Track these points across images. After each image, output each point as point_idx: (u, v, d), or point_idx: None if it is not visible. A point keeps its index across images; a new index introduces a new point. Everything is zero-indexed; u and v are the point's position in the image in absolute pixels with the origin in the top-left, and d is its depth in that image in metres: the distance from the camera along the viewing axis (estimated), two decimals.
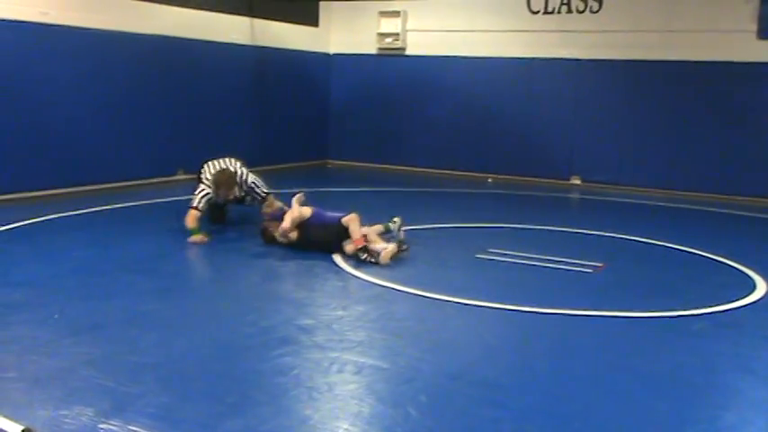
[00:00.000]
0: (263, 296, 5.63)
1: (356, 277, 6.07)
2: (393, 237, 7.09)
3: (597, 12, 11.98)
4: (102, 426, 3.30)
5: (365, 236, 6.74)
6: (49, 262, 6.20)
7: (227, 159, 7.84)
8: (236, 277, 6.37)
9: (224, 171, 7.53)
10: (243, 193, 7.79)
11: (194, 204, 7.30)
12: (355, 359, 4.25)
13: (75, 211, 8.27)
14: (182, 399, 3.66)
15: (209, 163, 7.76)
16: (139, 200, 9.24)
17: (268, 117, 12.79)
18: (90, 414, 3.40)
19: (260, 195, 7.82)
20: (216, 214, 7.83)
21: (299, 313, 5.11)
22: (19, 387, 3.70)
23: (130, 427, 3.28)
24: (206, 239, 7.14)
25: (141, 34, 10.26)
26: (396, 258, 6.59)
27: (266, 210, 7.72)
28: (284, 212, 7.12)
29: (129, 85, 10.19)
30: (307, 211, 6.97)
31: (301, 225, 6.90)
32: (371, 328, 4.90)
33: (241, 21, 12.10)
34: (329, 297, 5.62)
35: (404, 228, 7.33)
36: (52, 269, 5.98)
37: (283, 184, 10.84)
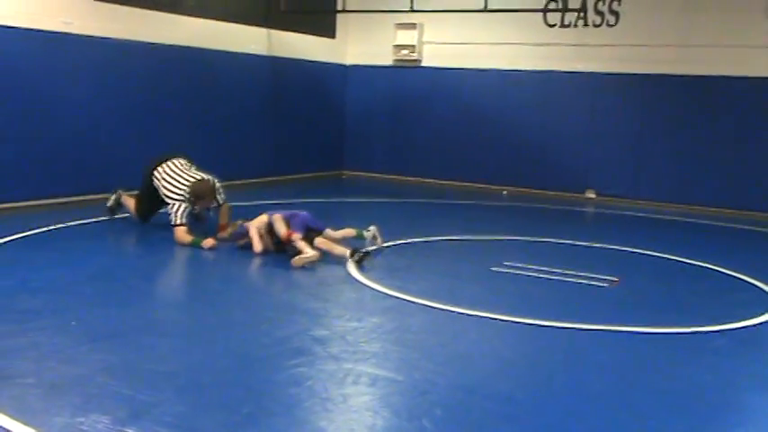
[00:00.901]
0: (278, 306, 5.64)
1: (371, 288, 6.08)
2: (363, 244, 7.28)
3: (614, 26, 11.97)
4: None
5: (292, 233, 6.82)
6: (68, 269, 6.25)
7: (177, 162, 7.70)
8: (251, 287, 6.40)
9: (203, 181, 7.47)
10: (220, 202, 7.71)
11: (178, 222, 7.24)
12: (370, 371, 4.25)
13: (93, 218, 8.32)
14: (197, 408, 3.67)
15: (167, 171, 7.56)
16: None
17: (284, 127, 12.85)
18: (106, 422, 3.42)
19: (219, 202, 7.71)
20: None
21: (313, 324, 5.12)
22: (37, 393, 3.73)
23: None
24: (215, 243, 7.16)
25: (160, 44, 10.36)
26: (307, 266, 6.59)
27: (222, 231, 7.58)
28: (245, 229, 7.14)
29: (148, 94, 10.28)
30: (264, 218, 7.11)
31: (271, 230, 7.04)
32: (386, 340, 4.90)
33: (258, 32, 12.19)
34: (343, 308, 5.62)
35: (378, 238, 7.45)
36: (70, 276, 6.03)
37: (298, 194, 10.89)
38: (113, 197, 8.28)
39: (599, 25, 12.08)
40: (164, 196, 7.50)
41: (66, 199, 9.15)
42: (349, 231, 7.42)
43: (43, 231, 7.57)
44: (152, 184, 7.67)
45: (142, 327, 4.91)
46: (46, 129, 9.00)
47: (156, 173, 7.64)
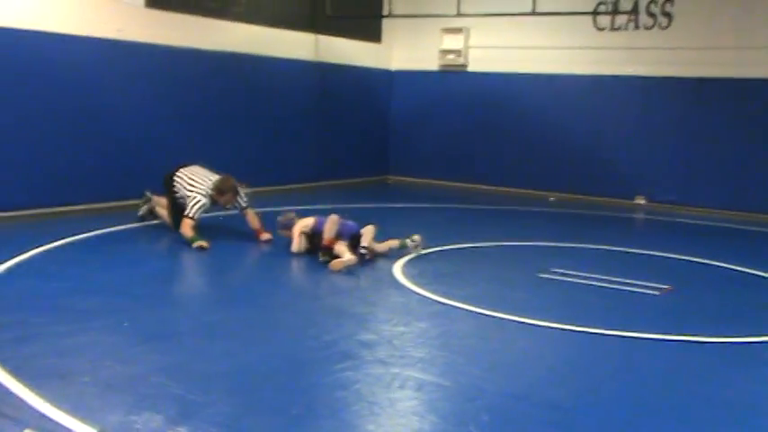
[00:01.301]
0: (325, 310, 5.69)
1: (417, 294, 6.08)
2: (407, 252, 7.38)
3: (666, 28, 11.77)
4: None
5: (335, 241, 6.92)
6: (122, 270, 6.40)
7: (195, 166, 7.98)
8: (299, 290, 6.47)
9: (228, 178, 7.70)
10: (243, 204, 7.90)
11: (190, 214, 7.45)
12: (417, 375, 4.26)
13: (143, 222, 8.50)
14: (247, 409, 3.73)
15: (185, 172, 7.83)
16: (204, 212, 9.43)
17: (329, 133, 12.95)
18: (159, 420, 3.49)
19: (242, 205, 7.89)
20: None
21: (360, 328, 5.15)
22: (93, 391, 3.83)
23: None
24: (207, 245, 7.27)
25: (209, 50, 10.54)
26: (344, 270, 6.66)
27: (261, 234, 7.81)
28: (292, 225, 7.35)
29: (197, 100, 10.47)
30: (310, 221, 7.24)
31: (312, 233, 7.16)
32: (432, 345, 4.90)
33: (306, 37, 12.31)
34: (390, 313, 5.64)
35: (421, 248, 7.45)
36: (125, 277, 6.17)
37: (344, 199, 10.96)
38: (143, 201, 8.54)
39: (650, 28, 11.88)
40: (184, 194, 7.70)
41: (119, 203, 9.37)
42: (392, 243, 7.43)
43: (98, 234, 7.76)
44: (173, 190, 7.86)
45: (193, 328, 5.00)
46: (100, 134, 9.23)
47: (176, 177, 7.87)
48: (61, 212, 8.68)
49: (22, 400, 3.63)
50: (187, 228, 7.43)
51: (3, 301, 5.28)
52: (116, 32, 9.33)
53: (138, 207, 8.55)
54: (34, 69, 8.44)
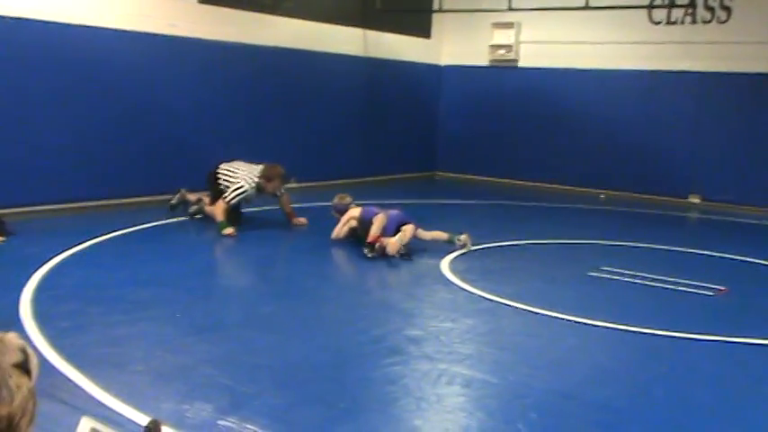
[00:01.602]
0: (373, 304, 5.70)
1: (465, 290, 6.05)
2: (453, 248, 7.35)
3: (725, 22, 11.45)
4: (220, 422, 3.43)
5: (379, 238, 6.99)
6: (173, 262, 6.53)
7: (237, 161, 8.22)
8: (346, 285, 6.50)
9: (276, 165, 7.93)
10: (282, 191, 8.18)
11: (227, 199, 7.68)
12: (464, 372, 4.24)
13: (197, 214, 8.63)
14: (296, 401, 3.76)
15: (226, 165, 8.12)
16: (253, 206, 9.54)
17: (378, 128, 12.96)
18: (209, 410, 3.55)
19: (281, 191, 8.17)
20: (234, 217, 8.00)
21: (407, 323, 5.15)
22: (146, 380, 3.91)
23: (247, 426, 3.40)
24: (235, 234, 7.43)
25: (260, 46, 10.64)
26: (400, 251, 6.82)
27: (293, 218, 8.12)
28: (343, 211, 7.56)
29: (246, 94, 10.58)
30: (356, 212, 7.39)
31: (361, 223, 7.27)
32: (480, 342, 4.88)
33: (355, 32, 12.33)
34: (438, 308, 5.63)
35: (467, 246, 7.36)
36: (176, 269, 6.29)
37: (391, 195, 10.96)
38: (177, 196, 8.74)
39: (708, 21, 11.58)
40: (228, 183, 7.90)
41: (171, 196, 9.51)
42: (440, 234, 7.45)
43: (150, 227, 7.92)
44: (217, 183, 8.06)
45: (242, 320, 5.07)
46: (152, 129, 9.40)
47: (219, 173, 8.10)
48: (115, 205, 8.88)
49: (78, 387, 3.73)
50: (219, 210, 7.61)
51: (59, 291, 5.43)
52: (169, 28, 9.48)
53: (186, 203, 8.72)
54: (87, 65, 8.62)
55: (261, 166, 8.03)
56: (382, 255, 6.88)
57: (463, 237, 7.46)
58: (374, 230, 6.98)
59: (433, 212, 10.30)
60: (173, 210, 8.61)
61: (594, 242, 8.34)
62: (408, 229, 7.14)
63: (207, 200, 8.40)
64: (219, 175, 8.08)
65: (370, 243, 6.95)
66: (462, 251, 7.36)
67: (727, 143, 11.65)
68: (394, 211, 7.31)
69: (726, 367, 4.60)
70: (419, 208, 8.77)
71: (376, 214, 7.17)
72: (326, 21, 11.74)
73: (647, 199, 12.07)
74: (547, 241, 8.26)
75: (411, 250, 7.09)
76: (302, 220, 8.01)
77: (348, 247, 7.45)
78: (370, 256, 6.90)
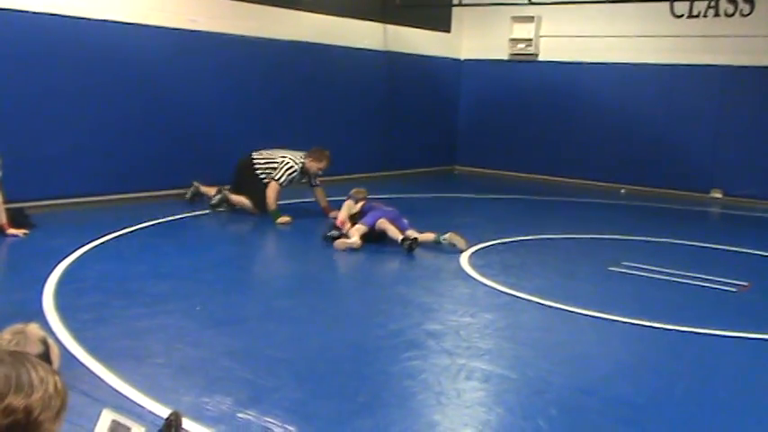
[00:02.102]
0: (391, 299, 5.69)
1: (483, 284, 6.03)
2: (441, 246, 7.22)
3: (748, 15, 11.29)
4: (240, 415, 3.45)
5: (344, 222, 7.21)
6: (193, 256, 6.56)
7: (272, 149, 8.40)
8: (365, 279, 6.49)
9: (323, 150, 8.07)
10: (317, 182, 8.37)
11: (278, 178, 7.78)
12: (484, 367, 4.23)
13: (219, 206, 8.67)
14: (314, 394, 3.77)
15: (263, 152, 8.31)
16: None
17: (397, 122, 12.94)
18: (229, 403, 3.56)
19: (316, 182, 8.34)
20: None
21: (426, 318, 5.14)
22: (166, 373, 3.93)
23: (266, 419, 3.41)
24: (291, 220, 7.52)
25: (280, 40, 10.65)
26: (345, 250, 6.90)
27: (328, 211, 8.17)
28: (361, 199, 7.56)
29: (265, 88, 10.60)
30: (355, 207, 7.43)
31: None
32: (500, 337, 4.86)
33: (375, 26, 12.31)
34: (456, 303, 5.61)
35: (458, 244, 7.11)
36: (195, 263, 6.32)
37: (410, 189, 10.95)
38: (191, 189, 8.91)
39: (731, 15, 11.43)
40: (272, 167, 8.05)
41: (188, 189, 9.57)
42: (428, 236, 7.24)
43: (171, 220, 7.97)
44: (254, 171, 8.17)
45: (262, 314, 5.09)
46: (173, 122, 9.45)
47: (255, 161, 8.24)
48: (135, 199, 8.94)
49: (99, 379, 3.76)
50: (273, 191, 7.73)
51: (81, 284, 5.48)
52: (189, 23, 9.52)
53: (204, 195, 8.80)
54: (108, 60, 8.68)
55: (301, 152, 8.20)
56: (337, 238, 7.03)
57: (448, 235, 7.17)
58: (341, 215, 7.22)
59: (452, 207, 10.28)
60: (191, 202, 8.69)
61: (615, 237, 8.28)
62: (389, 229, 7.12)
63: (228, 193, 8.44)
64: (257, 163, 8.19)
65: (336, 226, 7.16)
66: (458, 249, 7.11)
67: (750, 138, 11.50)
68: (390, 209, 7.35)
69: (748, 364, 4.55)
70: (438, 202, 8.76)
71: (372, 209, 7.28)
72: (346, 15, 11.72)
73: (668, 194, 11.95)
74: (567, 236, 8.21)
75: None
76: (335, 213, 8.04)
77: (366, 243, 7.46)
78: (328, 235, 7.07)
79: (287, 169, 7.89)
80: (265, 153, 8.32)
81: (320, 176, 8.45)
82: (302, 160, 8.06)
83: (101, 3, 8.57)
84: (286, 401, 3.64)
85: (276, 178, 7.84)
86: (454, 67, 14.06)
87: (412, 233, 7.13)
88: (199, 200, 8.74)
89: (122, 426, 1.76)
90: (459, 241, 7.15)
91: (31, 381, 1.42)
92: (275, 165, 8.06)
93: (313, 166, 8.01)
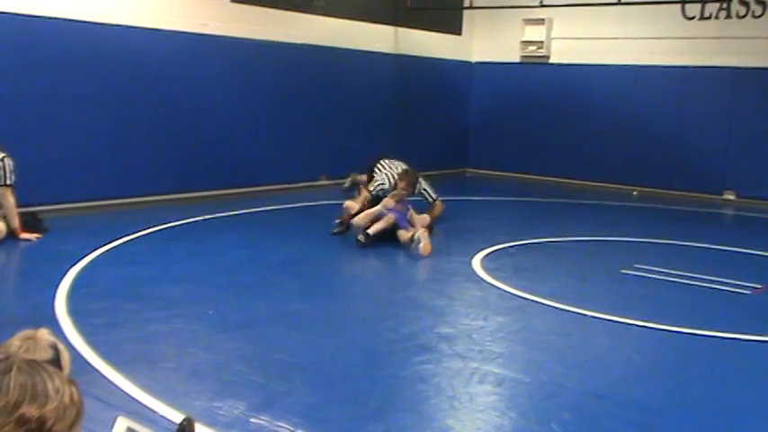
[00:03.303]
0: (403, 302, 5.68)
1: (496, 287, 6.01)
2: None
3: (760, 16, 11.22)
4: (252, 420, 3.44)
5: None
6: (204, 260, 6.57)
7: (394, 159, 8.66)
8: (377, 282, 6.49)
9: (408, 171, 8.20)
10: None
11: (371, 189, 8.19)
12: (496, 371, 4.21)
13: (225, 212, 8.70)
14: (327, 399, 3.76)
15: (387, 160, 8.62)
16: (284, 203, 9.60)
17: (408, 125, 12.92)
18: (242, 408, 3.56)
19: (430, 199, 8.38)
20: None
21: (438, 321, 5.13)
22: (178, 377, 3.94)
23: (279, 424, 3.41)
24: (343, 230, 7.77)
25: (292, 44, 10.67)
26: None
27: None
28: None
29: (277, 92, 10.62)
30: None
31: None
32: (512, 340, 4.84)
33: (386, 30, 12.31)
34: (469, 306, 5.59)
35: (420, 245, 7.03)
36: (207, 267, 6.33)
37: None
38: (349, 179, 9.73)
39: (743, 16, 11.35)
40: (376, 176, 8.49)
41: (202, 193, 9.61)
42: (405, 234, 7.31)
43: (182, 224, 7.99)
44: (372, 174, 8.59)
45: (274, 318, 5.08)
46: (185, 126, 9.48)
47: (378, 163, 8.63)
48: (147, 202, 8.96)
49: (112, 384, 3.77)
50: (363, 199, 8.11)
51: (94, 288, 5.50)
52: (201, 27, 9.55)
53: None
54: (120, 64, 8.71)
55: (402, 168, 8.41)
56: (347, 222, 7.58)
57: (418, 233, 7.17)
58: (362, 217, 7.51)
59: (464, 209, 10.25)
60: (346, 192, 9.17)
61: (627, 239, 8.23)
62: (386, 219, 7.36)
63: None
64: (376, 167, 8.58)
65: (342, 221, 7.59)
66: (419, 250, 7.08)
67: (763, 139, 11.41)
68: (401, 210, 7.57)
69: (762, 367, 4.51)
70: (450, 204, 8.73)
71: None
72: (358, 18, 11.73)
73: (680, 196, 11.88)
74: (579, 238, 8.18)
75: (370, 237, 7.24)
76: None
77: (378, 246, 7.46)
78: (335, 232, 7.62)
79: (378, 183, 8.26)
80: (386, 162, 8.60)
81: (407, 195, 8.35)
82: (394, 179, 8.20)
83: (113, 8, 8.61)
84: (298, 406, 3.63)
85: (369, 189, 8.25)
86: (466, 70, 14.03)
87: (403, 233, 7.27)
88: (355, 187, 9.28)
89: None
90: (424, 244, 7.05)
91: (47, 390, 1.41)
92: (375, 176, 8.42)
93: (398, 185, 8.15)
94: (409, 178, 8.06)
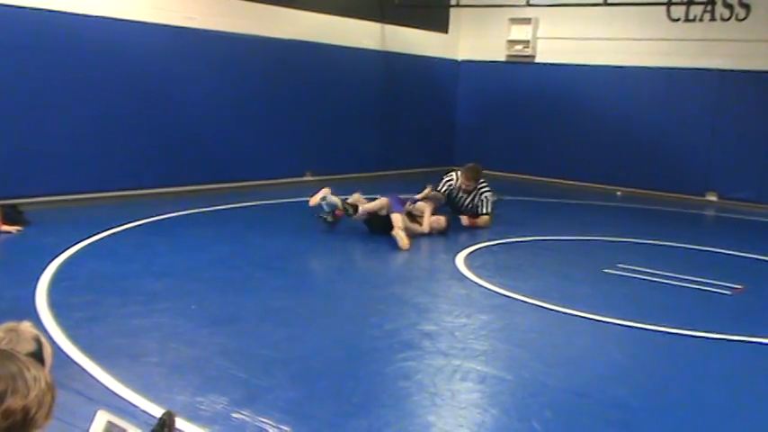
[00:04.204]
0: (387, 299, 5.68)
1: (479, 286, 6.03)
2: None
3: (744, 19, 11.32)
4: (234, 415, 3.43)
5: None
6: (188, 255, 6.54)
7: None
8: (362, 279, 6.48)
9: (469, 166, 8.58)
10: (472, 200, 8.59)
11: (439, 187, 8.39)
12: (479, 368, 4.22)
13: (209, 207, 8.67)
14: (309, 395, 3.76)
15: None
16: (269, 199, 9.58)
17: (394, 122, 12.93)
18: (224, 403, 3.55)
19: (483, 209, 8.46)
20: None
21: (421, 318, 5.13)
22: (160, 372, 3.92)
23: (261, 419, 3.40)
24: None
25: (276, 39, 10.63)
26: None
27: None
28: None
29: (262, 87, 10.58)
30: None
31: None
32: (495, 338, 4.85)
33: (372, 26, 12.30)
34: (452, 304, 5.60)
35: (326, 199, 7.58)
36: (190, 261, 6.30)
37: (407, 189, 10.91)
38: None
39: (727, 19, 11.45)
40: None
41: (187, 188, 9.55)
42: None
43: (166, 218, 7.94)
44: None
45: (258, 313, 5.07)
46: (169, 120, 9.42)
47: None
48: (130, 196, 8.91)
49: (93, 378, 3.75)
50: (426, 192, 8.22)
51: (75, 282, 5.45)
52: (186, 20, 9.49)
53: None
54: (103, 57, 8.63)
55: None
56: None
57: (395, 233, 7.35)
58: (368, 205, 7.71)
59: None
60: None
61: (611, 239, 8.28)
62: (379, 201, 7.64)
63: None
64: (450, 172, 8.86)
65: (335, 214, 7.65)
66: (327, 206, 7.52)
67: (746, 141, 11.53)
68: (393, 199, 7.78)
69: (742, 367, 4.55)
70: None
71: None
72: (344, 14, 11.71)
73: (663, 196, 11.97)
74: (562, 238, 8.22)
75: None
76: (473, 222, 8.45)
77: (363, 242, 7.46)
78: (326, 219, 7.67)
79: (446, 180, 8.55)
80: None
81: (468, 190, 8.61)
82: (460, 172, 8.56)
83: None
84: (281, 402, 3.62)
85: (438, 188, 8.44)
86: (452, 68, 14.06)
87: (397, 218, 7.43)
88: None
89: (118, 428, 1.72)
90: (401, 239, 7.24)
91: (26, 381, 1.42)
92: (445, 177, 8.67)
93: (461, 178, 8.48)
94: (470, 172, 8.37)
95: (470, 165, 8.69)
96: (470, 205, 8.59)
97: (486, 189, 8.61)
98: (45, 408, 1.44)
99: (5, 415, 1.38)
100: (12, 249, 6.55)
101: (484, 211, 8.48)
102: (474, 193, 8.55)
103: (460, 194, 8.60)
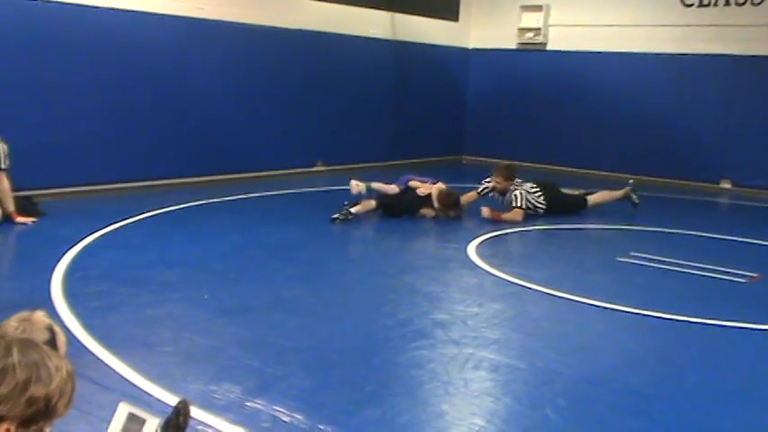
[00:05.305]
0: (399, 288, 5.68)
1: (491, 274, 6.02)
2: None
3: (759, 4, 11.18)
4: (248, 404, 3.45)
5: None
6: (201, 245, 6.56)
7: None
8: (373, 268, 6.48)
9: (508, 166, 8.68)
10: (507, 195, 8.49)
11: (479, 189, 8.50)
12: (491, 357, 4.22)
13: (221, 197, 8.69)
14: (323, 384, 3.77)
15: None
16: (280, 189, 9.59)
17: (405, 112, 12.90)
18: (237, 392, 3.57)
19: (515, 202, 8.29)
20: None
21: (434, 307, 5.14)
22: (175, 361, 3.94)
23: (274, 407, 3.41)
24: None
25: (286, 29, 10.61)
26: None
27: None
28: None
29: (272, 77, 10.57)
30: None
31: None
32: (507, 327, 4.85)
33: (382, 15, 12.25)
34: (464, 293, 5.60)
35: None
36: (203, 252, 6.32)
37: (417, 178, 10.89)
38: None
39: (742, 3, 11.32)
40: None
41: (199, 178, 9.59)
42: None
43: (178, 209, 7.97)
44: None
45: (270, 303, 5.09)
46: (181, 111, 9.44)
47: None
48: (143, 187, 8.95)
49: (108, 367, 3.77)
50: (466, 195, 8.51)
51: (90, 272, 5.49)
52: (197, 11, 9.49)
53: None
54: (115, 47, 8.66)
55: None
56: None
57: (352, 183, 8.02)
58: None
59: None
60: None
61: (624, 227, 8.25)
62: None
63: None
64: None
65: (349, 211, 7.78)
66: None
67: (760, 128, 11.41)
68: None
69: (757, 354, 4.53)
70: None
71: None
72: (354, 4, 11.67)
73: (677, 184, 11.90)
74: (575, 226, 8.19)
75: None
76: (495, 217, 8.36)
77: (375, 231, 7.47)
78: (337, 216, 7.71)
79: (485, 181, 8.61)
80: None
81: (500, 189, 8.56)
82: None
83: None
84: (294, 390, 3.64)
85: (478, 189, 8.58)
86: (462, 57, 13.99)
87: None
88: None
89: (138, 417, 1.80)
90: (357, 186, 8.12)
91: (49, 369, 1.44)
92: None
93: (494, 177, 8.51)
94: (502, 171, 8.45)
95: (502, 164, 8.78)
96: (504, 205, 8.52)
97: (519, 188, 8.42)
98: (66, 396, 1.47)
99: (29, 403, 1.40)
100: (27, 241, 6.60)
101: (516, 203, 8.27)
102: (508, 193, 8.42)
103: (496, 195, 8.55)
